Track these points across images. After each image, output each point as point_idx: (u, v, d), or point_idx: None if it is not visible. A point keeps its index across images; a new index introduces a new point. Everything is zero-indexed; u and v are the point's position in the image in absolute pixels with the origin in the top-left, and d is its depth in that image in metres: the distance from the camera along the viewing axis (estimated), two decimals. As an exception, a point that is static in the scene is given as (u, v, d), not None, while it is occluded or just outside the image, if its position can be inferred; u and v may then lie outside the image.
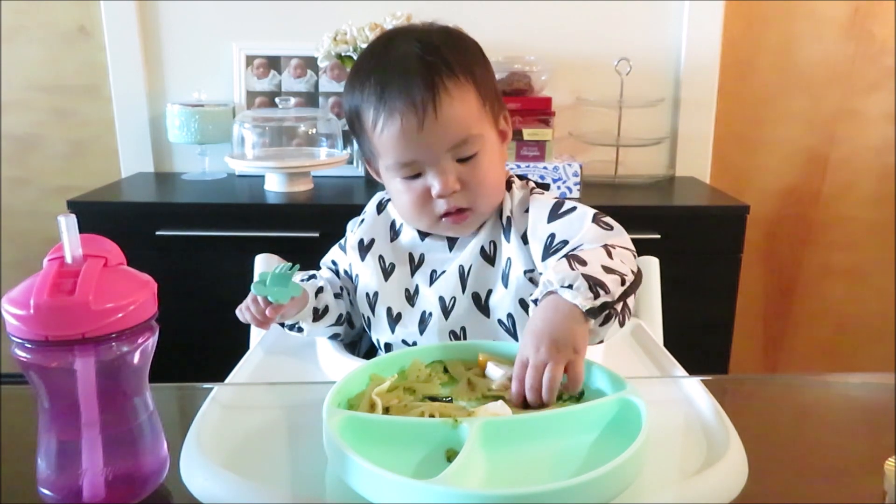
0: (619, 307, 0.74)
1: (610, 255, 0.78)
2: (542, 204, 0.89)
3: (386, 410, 0.65)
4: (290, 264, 0.82)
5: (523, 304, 0.88)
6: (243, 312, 0.84)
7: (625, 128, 2.01)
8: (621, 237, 0.84)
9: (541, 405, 0.66)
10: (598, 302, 0.71)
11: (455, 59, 0.84)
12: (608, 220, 0.86)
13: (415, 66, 0.83)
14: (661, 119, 2.10)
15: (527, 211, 0.90)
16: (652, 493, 0.57)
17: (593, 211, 0.87)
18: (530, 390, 0.66)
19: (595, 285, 0.71)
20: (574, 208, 0.88)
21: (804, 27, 2.12)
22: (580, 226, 0.85)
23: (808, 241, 2.28)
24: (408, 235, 0.94)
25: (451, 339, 0.90)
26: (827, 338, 2.34)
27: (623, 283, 0.75)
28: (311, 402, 0.68)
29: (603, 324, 0.73)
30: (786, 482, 0.64)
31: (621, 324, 0.76)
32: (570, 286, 0.71)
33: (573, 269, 0.73)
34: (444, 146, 0.84)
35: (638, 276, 0.79)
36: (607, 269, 0.75)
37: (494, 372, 0.71)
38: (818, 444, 0.74)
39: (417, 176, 0.86)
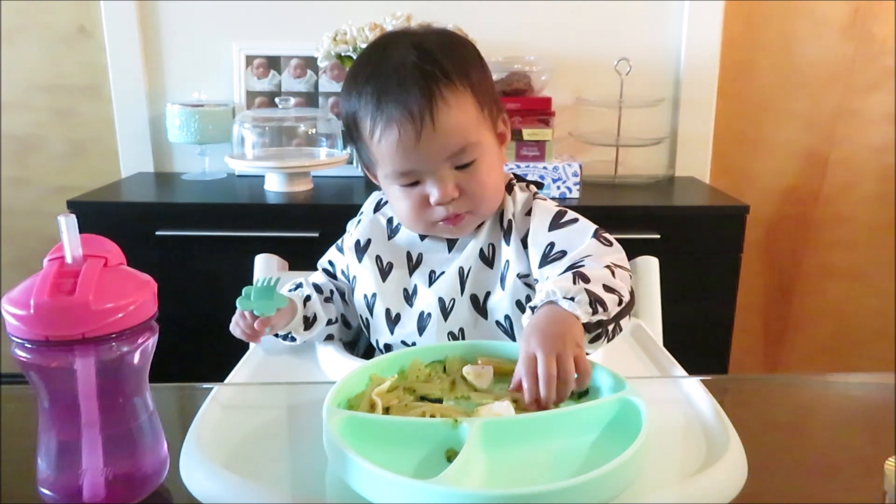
0: (611, 327, 0.75)
1: (613, 273, 0.78)
2: (544, 211, 0.89)
3: (386, 410, 0.65)
4: (271, 277, 0.83)
5: (520, 306, 0.89)
6: (234, 328, 0.86)
7: (625, 128, 2.01)
8: (620, 255, 0.84)
9: (554, 400, 0.65)
10: (595, 319, 0.72)
11: (452, 66, 0.83)
12: (608, 236, 0.86)
13: (411, 75, 0.82)
14: (661, 119, 2.10)
15: (528, 214, 0.90)
16: (652, 493, 0.57)
17: (594, 226, 0.87)
18: (548, 380, 0.64)
19: (595, 301, 0.72)
20: (576, 220, 0.88)
21: (804, 27, 2.12)
22: (581, 239, 0.85)
23: (808, 241, 2.28)
24: (406, 234, 0.95)
25: (449, 340, 0.91)
26: (827, 338, 2.34)
27: (620, 303, 0.76)
28: (311, 402, 0.68)
29: (593, 341, 0.74)
30: (786, 482, 0.64)
31: (609, 340, 0.77)
32: (572, 298, 0.72)
33: (576, 283, 0.73)
34: (441, 156, 0.83)
35: (632, 297, 0.80)
36: (608, 289, 0.75)
37: (470, 373, 0.71)
38: (818, 444, 0.74)
39: (416, 184, 0.86)
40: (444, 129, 0.82)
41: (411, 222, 0.90)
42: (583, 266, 0.80)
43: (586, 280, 0.75)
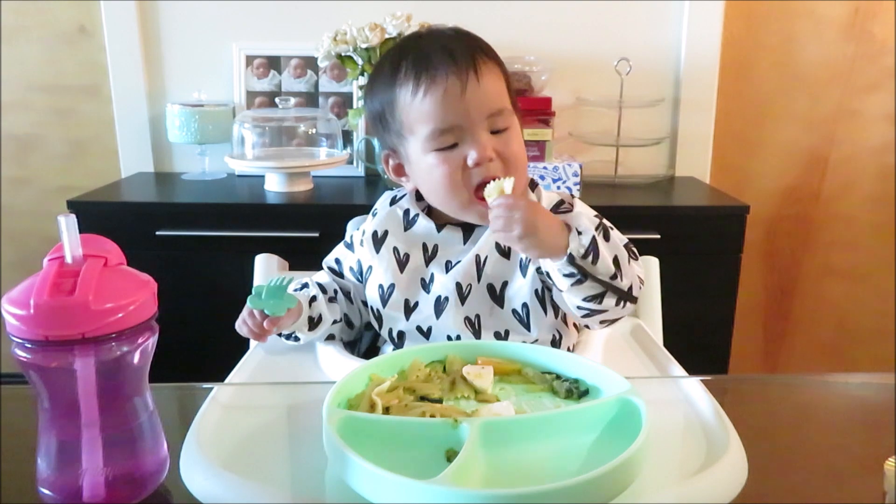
0: (593, 292, 0.82)
1: (629, 260, 0.84)
2: (587, 210, 0.94)
3: (386, 410, 0.65)
4: (283, 277, 0.83)
5: (538, 295, 0.90)
6: (241, 327, 0.86)
7: (625, 128, 2.01)
8: (641, 268, 0.89)
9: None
10: (579, 260, 0.79)
11: (485, 46, 0.92)
12: (636, 251, 0.90)
13: (453, 41, 0.89)
14: (661, 119, 2.10)
15: (560, 211, 0.93)
16: (652, 493, 0.57)
17: (626, 238, 0.90)
18: (497, 218, 0.77)
19: (591, 252, 0.79)
20: (612, 228, 0.92)
21: (804, 27, 2.12)
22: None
23: (808, 240, 2.28)
24: (422, 226, 0.95)
25: (465, 325, 0.92)
26: (827, 338, 2.34)
27: (612, 277, 0.82)
28: (311, 402, 0.68)
29: (566, 276, 0.81)
30: (786, 482, 0.64)
31: (582, 290, 0.82)
32: (580, 233, 0.79)
33: (597, 231, 0.81)
34: (483, 113, 0.87)
35: (633, 295, 0.85)
36: (616, 262, 0.82)
37: (470, 373, 0.71)
38: (818, 444, 0.74)
39: (453, 147, 0.88)
40: (486, 86, 0.87)
41: (447, 191, 0.89)
42: (612, 231, 0.85)
43: (606, 238, 0.82)
